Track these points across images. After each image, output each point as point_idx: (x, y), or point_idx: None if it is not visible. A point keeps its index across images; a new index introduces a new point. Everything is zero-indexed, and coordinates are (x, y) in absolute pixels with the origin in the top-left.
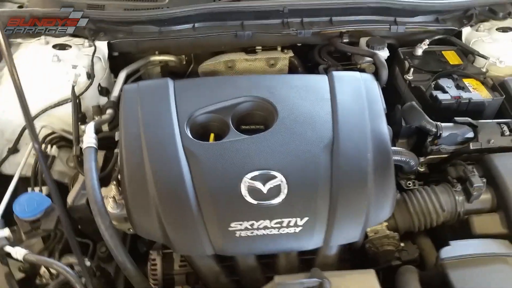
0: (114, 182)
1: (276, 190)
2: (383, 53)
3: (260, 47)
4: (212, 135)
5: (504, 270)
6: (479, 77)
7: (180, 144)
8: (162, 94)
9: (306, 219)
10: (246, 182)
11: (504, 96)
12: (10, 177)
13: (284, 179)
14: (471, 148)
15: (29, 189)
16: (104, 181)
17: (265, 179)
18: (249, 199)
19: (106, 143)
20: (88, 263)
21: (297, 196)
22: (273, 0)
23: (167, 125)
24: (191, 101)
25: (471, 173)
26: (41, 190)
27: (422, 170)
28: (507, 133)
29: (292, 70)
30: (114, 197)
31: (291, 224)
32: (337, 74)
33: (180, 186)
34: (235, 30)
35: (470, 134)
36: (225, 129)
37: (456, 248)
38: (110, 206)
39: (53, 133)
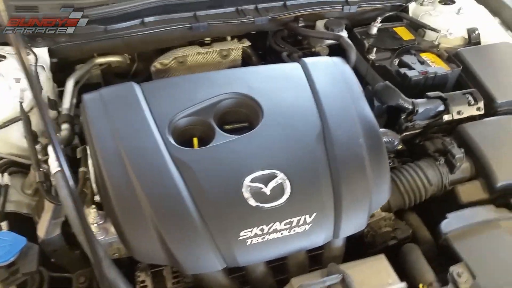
0: (93, 206)
1: (279, 190)
2: (343, 34)
3: (209, 39)
4: (195, 140)
5: (499, 234)
6: (433, 50)
7: (167, 154)
8: (131, 100)
9: (314, 214)
10: (247, 185)
11: (461, 67)
12: None
13: (285, 177)
14: (444, 120)
15: None
16: None
17: (266, 179)
18: (253, 203)
19: None
20: None
21: (301, 192)
22: None
23: (147, 135)
24: (165, 105)
25: (450, 145)
26: (0, 227)
27: (400, 147)
28: (473, 102)
29: (245, 59)
30: (96, 223)
31: (301, 222)
32: (310, 61)
33: (178, 200)
34: (189, 22)
35: (441, 107)
36: (209, 132)
37: (453, 221)
38: None
39: (1, 158)
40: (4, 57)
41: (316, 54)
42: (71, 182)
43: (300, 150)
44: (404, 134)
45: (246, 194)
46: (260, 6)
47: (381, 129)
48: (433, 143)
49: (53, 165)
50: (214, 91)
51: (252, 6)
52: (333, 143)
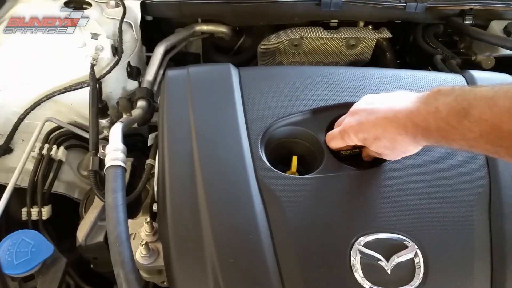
0: (147, 219)
1: (407, 270)
2: None
3: (336, 21)
4: (294, 159)
5: None
6: None
7: (253, 175)
8: (224, 90)
9: None
10: (358, 250)
11: None
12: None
13: (419, 252)
14: None
15: (23, 210)
16: (130, 208)
17: (388, 248)
18: (362, 281)
19: (131, 143)
20: None
21: (442, 279)
22: None
23: (233, 142)
24: (265, 105)
25: None
26: (40, 212)
27: None
28: None
29: (376, 54)
30: (146, 244)
31: None
32: (479, 76)
33: (253, 247)
34: None
35: None
36: (315, 153)
37: None
38: (140, 255)
39: (60, 127)
40: (90, 5)
41: (476, 64)
42: (122, 185)
43: (449, 213)
44: None
45: (354, 263)
46: None
47: None
48: None
49: (109, 156)
50: (334, 95)
51: None
52: (504, 212)
